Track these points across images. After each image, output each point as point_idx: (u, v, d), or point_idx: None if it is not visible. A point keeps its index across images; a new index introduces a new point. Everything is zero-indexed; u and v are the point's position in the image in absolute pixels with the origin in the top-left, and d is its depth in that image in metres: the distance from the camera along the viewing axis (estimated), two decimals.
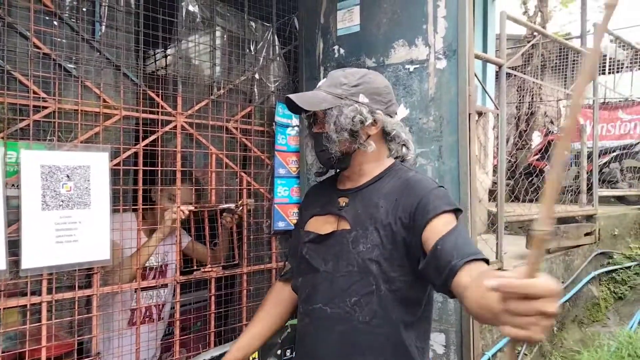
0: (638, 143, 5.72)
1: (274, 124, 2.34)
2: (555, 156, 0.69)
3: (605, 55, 6.06)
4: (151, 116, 1.94)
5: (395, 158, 1.34)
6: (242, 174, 2.27)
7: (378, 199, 1.23)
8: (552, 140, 5.62)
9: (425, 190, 1.17)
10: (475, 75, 2.00)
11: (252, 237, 2.28)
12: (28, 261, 1.52)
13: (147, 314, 2.06)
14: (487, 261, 1.05)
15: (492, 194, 3.97)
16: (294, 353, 1.69)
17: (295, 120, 2.38)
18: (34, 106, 1.65)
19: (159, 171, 1.92)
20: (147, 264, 1.98)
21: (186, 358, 2.06)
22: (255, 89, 2.39)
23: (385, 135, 1.31)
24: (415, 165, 1.45)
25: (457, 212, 1.16)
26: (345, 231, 1.25)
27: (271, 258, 2.39)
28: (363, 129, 1.24)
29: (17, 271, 1.52)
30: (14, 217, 1.53)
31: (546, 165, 5.23)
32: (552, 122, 7.00)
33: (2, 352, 1.60)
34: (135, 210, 1.92)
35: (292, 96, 1.24)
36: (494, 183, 3.73)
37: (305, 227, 1.38)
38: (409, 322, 1.20)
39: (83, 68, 1.79)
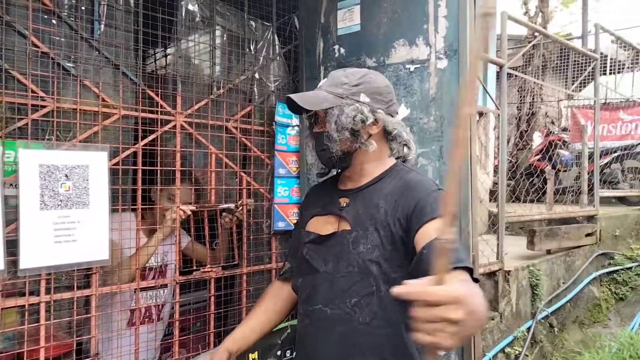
0: (639, 144, 5.71)
1: (274, 123, 2.33)
2: (450, 169, 0.71)
3: (606, 56, 6.05)
4: (150, 115, 1.93)
5: (396, 158, 1.34)
6: (242, 174, 2.27)
7: (379, 200, 1.23)
8: (553, 141, 5.61)
9: (424, 193, 1.17)
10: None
11: (251, 237, 2.27)
12: (26, 261, 1.51)
13: (147, 314, 2.05)
14: (470, 270, 1.04)
15: (493, 195, 3.97)
16: (294, 354, 1.68)
17: (295, 120, 2.37)
18: (33, 105, 1.64)
19: (159, 171, 1.91)
20: (146, 264, 1.97)
21: (186, 359, 2.05)
22: (255, 89, 2.38)
23: (387, 135, 1.30)
24: (416, 165, 1.45)
25: None
26: (346, 232, 1.24)
27: (271, 258, 2.38)
28: (364, 128, 1.24)
29: (16, 271, 1.51)
30: (12, 217, 1.52)
31: (547, 165, 5.22)
32: (553, 123, 7.00)
33: (1, 353, 1.59)
34: (134, 210, 1.91)
35: (293, 96, 1.24)
36: (495, 183, 3.72)
37: (305, 227, 1.37)
38: (410, 323, 1.20)
39: (82, 67, 1.78)
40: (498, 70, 3.05)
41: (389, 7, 2.02)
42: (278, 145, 2.33)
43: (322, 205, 1.35)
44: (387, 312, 1.18)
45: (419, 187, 1.20)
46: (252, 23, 2.40)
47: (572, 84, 5.97)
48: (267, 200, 2.36)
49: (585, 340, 3.45)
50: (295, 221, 2.03)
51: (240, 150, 2.30)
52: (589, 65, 4.48)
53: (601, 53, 4.83)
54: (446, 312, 0.67)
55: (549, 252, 3.50)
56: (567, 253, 3.64)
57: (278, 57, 2.49)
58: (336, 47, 2.20)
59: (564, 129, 6.17)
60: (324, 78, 1.34)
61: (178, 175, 1.98)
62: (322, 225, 1.31)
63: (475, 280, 1.08)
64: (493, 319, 2.66)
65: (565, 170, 5.35)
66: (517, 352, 2.75)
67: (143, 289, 1.96)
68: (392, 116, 1.30)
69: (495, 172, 3.94)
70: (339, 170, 1.39)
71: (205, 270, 2.07)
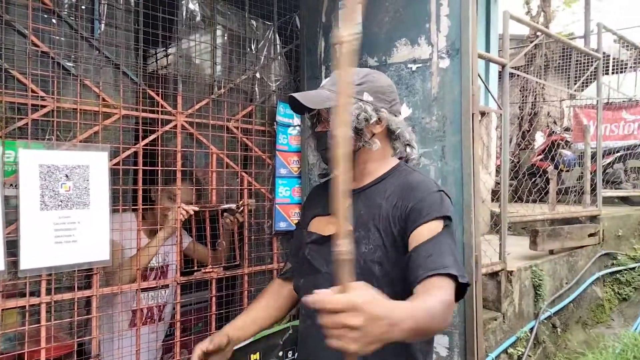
0: None
1: (275, 123, 2.32)
2: (336, 186, 0.74)
3: (609, 56, 6.04)
4: (151, 115, 1.92)
5: (399, 158, 1.33)
6: (243, 174, 2.26)
7: (381, 200, 1.22)
8: (555, 141, 5.59)
9: (423, 194, 1.17)
10: (479, 75, 1.98)
11: (253, 237, 2.26)
12: (27, 262, 1.51)
13: (148, 314, 2.04)
14: (455, 277, 1.04)
15: (495, 195, 3.96)
16: (296, 355, 1.67)
17: (296, 120, 2.36)
18: (33, 105, 1.64)
19: (159, 171, 1.91)
20: (148, 265, 1.96)
21: (187, 359, 2.04)
22: (256, 88, 2.38)
23: (390, 134, 1.30)
24: (418, 165, 1.44)
25: (446, 219, 1.14)
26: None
27: (272, 259, 2.37)
28: (367, 127, 1.23)
29: (16, 272, 1.51)
30: (12, 217, 1.52)
31: (549, 165, 5.21)
32: (555, 122, 6.99)
33: (1, 354, 1.59)
34: (135, 210, 1.90)
35: (296, 95, 1.23)
36: (497, 183, 3.71)
37: (307, 227, 1.37)
38: None
39: (82, 67, 1.78)
40: (500, 69, 3.03)
41: (390, 6, 2.01)
42: (279, 145, 2.32)
43: (323, 206, 1.34)
44: None
45: (420, 187, 1.19)
46: (253, 22, 2.40)
47: (575, 84, 5.96)
48: (269, 201, 2.35)
49: (589, 340, 3.43)
50: (296, 221, 2.02)
51: (242, 150, 2.29)
52: (592, 65, 4.46)
53: (604, 52, 4.82)
54: (345, 318, 0.72)
55: (551, 252, 3.49)
56: (569, 253, 3.62)
57: (279, 57, 2.48)
58: (338, 46, 2.19)
59: (567, 129, 6.16)
60: (325, 77, 1.33)
61: (179, 175, 1.97)
62: (324, 226, 1.30)
63: (465, 285, 1.07)
64: (496, 320, 2.65)
65: (567, 170, 5.34)
66: (519, 353, 2.74)
67: (144, 290, 1.95)
68: (395, 115, 1.29)
69: (498, 172, 3.93)
70: None
71: (207, 270, 2.06)
